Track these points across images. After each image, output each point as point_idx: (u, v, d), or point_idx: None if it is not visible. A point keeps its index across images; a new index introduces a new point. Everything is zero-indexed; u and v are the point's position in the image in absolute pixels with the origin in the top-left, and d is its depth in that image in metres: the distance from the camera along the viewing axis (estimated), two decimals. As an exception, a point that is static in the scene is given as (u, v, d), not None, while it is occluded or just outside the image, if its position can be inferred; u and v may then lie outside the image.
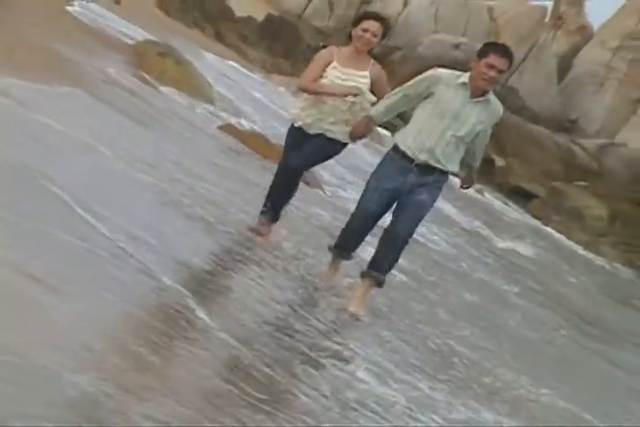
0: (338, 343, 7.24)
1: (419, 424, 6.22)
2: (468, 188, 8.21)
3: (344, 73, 7.98)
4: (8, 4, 13.42)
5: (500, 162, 32.81)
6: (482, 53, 7.50)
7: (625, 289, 22.82)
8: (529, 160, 33.09)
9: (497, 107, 7.72)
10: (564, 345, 12.20)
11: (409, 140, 7.57)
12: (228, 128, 13.77)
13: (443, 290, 11.24)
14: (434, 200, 7.84)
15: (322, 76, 8.03)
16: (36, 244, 5.65)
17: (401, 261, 8.28)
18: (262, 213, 8.43)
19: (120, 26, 18.71)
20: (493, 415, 7.35)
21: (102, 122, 10.45)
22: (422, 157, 7.49)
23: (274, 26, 34.54)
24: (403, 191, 7.62)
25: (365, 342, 7.44)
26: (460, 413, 7.06)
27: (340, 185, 15.10)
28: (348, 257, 8.12)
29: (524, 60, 43.14)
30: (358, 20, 7.99)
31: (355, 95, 7.88)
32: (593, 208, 30.84)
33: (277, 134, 13.48)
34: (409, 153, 7.53)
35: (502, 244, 19.85)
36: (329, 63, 8.03)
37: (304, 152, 8.23)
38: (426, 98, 7.55)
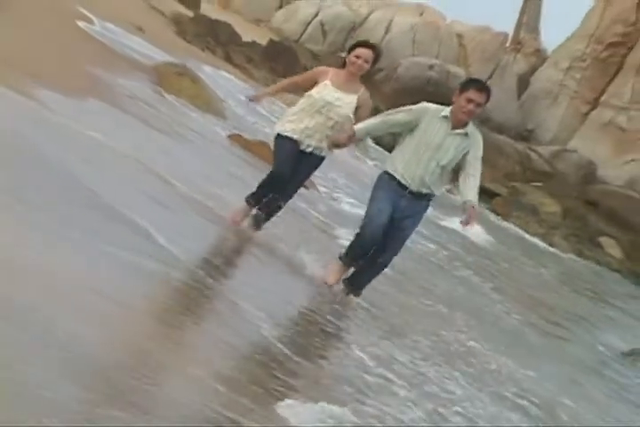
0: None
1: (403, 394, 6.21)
2: (470, 225, 7.41)
3: (335, 95, 7.69)
4: (24, 25, 13.31)
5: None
6: (462, 89, 7.30)
7: (576, 277, 22.80)
8: (492, 164, 33.08)
9: (476, 136, 7.44)
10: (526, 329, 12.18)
11: (399, 168, 7.37)
12: (236, 137, 13.75)
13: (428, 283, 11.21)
14: (417, 225, 7.74)
15: (308, 87, 7.81)
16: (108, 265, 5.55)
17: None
18: (248, 203, 8.04)
19: (143, 48, 18.65)
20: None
21: (132, 133, 10.42)
22: (414, 186, 7.32)
23: (275, 49, 34.47)
24: (396, 211, 7.39)
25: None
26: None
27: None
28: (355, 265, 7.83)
29: (488, 78, 43.08)
30: (352, 48, 7.80)
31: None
32: (547, 205, 30.84)
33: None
34: (403, 182, 7.35)
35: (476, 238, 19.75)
36: (320, 79, 7.76)
37: (298, 179, 8.00)
38: (412, 129, 7.34)
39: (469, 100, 7.17)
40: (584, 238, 29.60)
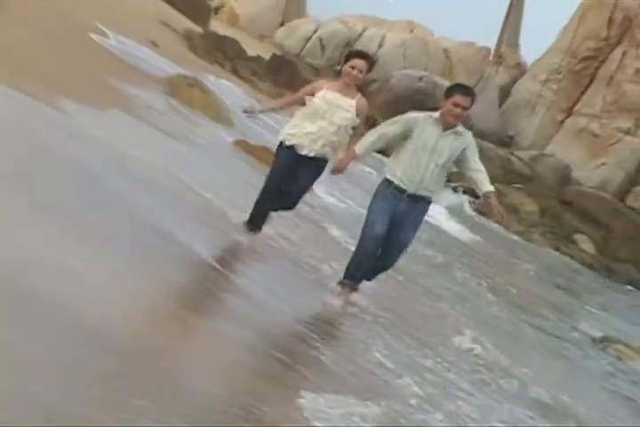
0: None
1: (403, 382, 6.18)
2: (501, 217, 7.76)
3: (334, 97, 7.40)
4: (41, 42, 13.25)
5: (452, 168, 32.78)
6: (448, 94, 7.22)
7: (553, 271, 22.81)
8: (477, 168, 33.12)
9: (466, 134, 7.36)
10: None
11: (398, 173, 7.23)
12: (241, 143, 13.75)
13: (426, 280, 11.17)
14: (417, 228, 7.49)
15: (303, 102, 7.50)
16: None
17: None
18: (251, 223, 7.72)
19: (157, 62, 18.65)
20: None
21: (152, 142, 10.41)
22: (412, 189, 7.18)
23: (278, 63, 34.45)
24: (393, 220, 7.22)
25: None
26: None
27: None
28: (356, 290, 7.53)
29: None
30: (347, 58, 7.54)
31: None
32: (526, 205, 30.84)
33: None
34: (401, 185, 7.21)
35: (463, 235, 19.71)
36: (317, 91, 7.49)
37: (302, 182, 7.59)
38: (406, 137, 7.21)
39: (456, 104, 7.11)
40: (560, 235, 29.59)
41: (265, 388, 4.74)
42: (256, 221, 7.73)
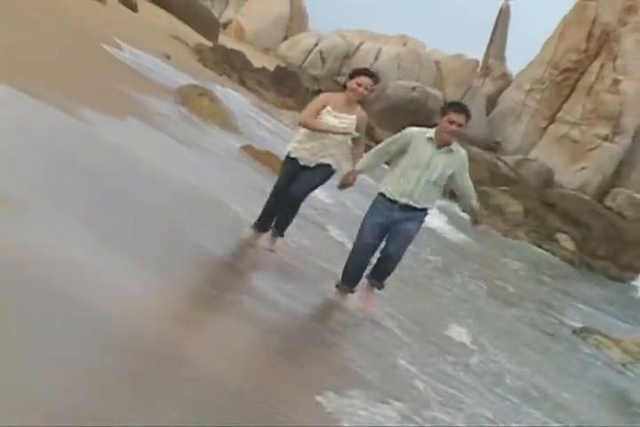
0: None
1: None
2: (479, 224, 7.51)
3: (337, 116, 7.16)
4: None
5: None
6: (444, 112, 6.96)
7: (537, 267, 22.81)
8: (466, 171, 33.17)
9: (461, 153, 7.10)
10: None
11: (389, 187, 7.04)
12: (248, 148, 13.73)
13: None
14: (417, 229, 7.20)
15: (317, 117, 7.20)
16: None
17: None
18: (257, 226, 7.58)
19: (169, 73, 18.64)
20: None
21: (167, 150, 10.40)
22: (403, 200, 6.97)
23: (281, 74, 34.41)
24: (390, 225, 7.03)
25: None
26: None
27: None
28: (353, 292, 7.32)
29: (461, 99, 43.13)
30: (353, 75, 7.23)
31: (344, 134, 7.12)
32: (511, 206, 30.84)
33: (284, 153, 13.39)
34: (392, 198, 7.01)
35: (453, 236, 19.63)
36: (324, 106, 7.22)
37: (302, 181, 7.33)
38: (403, 151, 6.98)
39: (451, 122, 6.86)
40: (543, 234, 29.60)
41: (287, 388, 4.65)
42: (263, 223, 7.64)
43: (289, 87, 32.69)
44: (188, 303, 5.27)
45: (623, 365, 11.80)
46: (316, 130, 7.21)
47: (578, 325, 13.53)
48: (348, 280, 7.27)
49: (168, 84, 16.10)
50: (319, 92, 36.73)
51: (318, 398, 4.57)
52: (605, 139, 36.33)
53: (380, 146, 7.22)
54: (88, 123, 8.67)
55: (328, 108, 7.21)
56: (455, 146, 7.07)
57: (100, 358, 3.66)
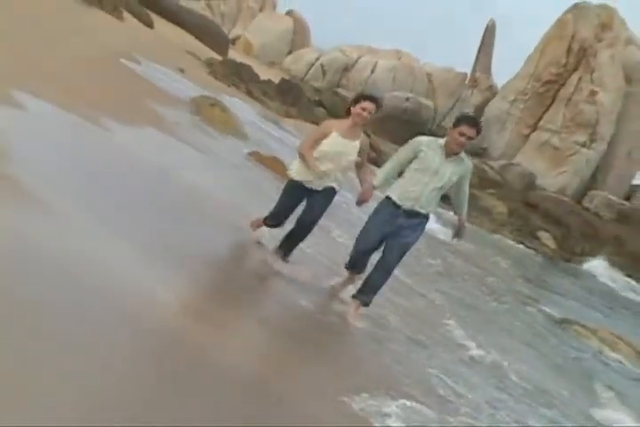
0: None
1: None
2: (459, 238, 7.18)
3: (341, 143, 6.90)
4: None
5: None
6: (456, 123, 6.69)
7: (521, 263, 22.79)
8: (455, 175, 33.09)
9: (467, 162, 6.89)
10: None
11: (397, 191, 6.83)
12: (254, 154, 13.77)
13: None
14: (417, 239, 6.95)
15: (318, 143, 6.92)
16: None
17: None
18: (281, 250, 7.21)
19: (183, 85, 18.67)
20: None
21: (179, 152, 10.42)
22: (408, 205, 6.75)
23: (286, 86, 34.41)
24: (392, 230, 6.79)
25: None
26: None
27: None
28: (361, 273, 7.21)
29: (451, 108, 43.20)
30: (357, 100, 6.98)
31: (321, 177, 6.84)
32: (497, 207, 30.83)
33: (287, 158, 13.44)
34: (398, 202, 6.78)
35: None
36: (327, 134, 6.92)
37: (317, 208, 7.05)
38: (413, 159, 6.77)
39: (462, 134, 6.60)
40: (526, 233, 29.59)
41: (313, 388, 4.53)
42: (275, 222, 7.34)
43: (292, 98, 32.71)
44: (212, 304, 5.17)
45: (600, 352, 11.84)
46: (305, 161, 6.95)
47: (558, 315, 13.55)
48: (355, 266, 7.16)
49: (182, 96, 16.14)
50: (319, 102, 36.80)
51: (345, 398, 4.43)
52: (583, 145, 36.35)
53: (392, 159, 6.99)
54: (112, 132, 8.71)
55: (334, 133, 6.95)
56: (464, 156, 6.88)
57: (133, 358, 3.59)
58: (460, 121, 6.73)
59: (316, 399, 4.39)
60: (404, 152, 6.88)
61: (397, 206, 6.82)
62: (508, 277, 17.39)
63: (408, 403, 4.88)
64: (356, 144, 7.01)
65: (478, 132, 6.70)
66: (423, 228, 6.98)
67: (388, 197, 6.93)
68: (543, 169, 36.17)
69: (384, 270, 6.96)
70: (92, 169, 6.68)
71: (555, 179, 35.73)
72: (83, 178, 6.22)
